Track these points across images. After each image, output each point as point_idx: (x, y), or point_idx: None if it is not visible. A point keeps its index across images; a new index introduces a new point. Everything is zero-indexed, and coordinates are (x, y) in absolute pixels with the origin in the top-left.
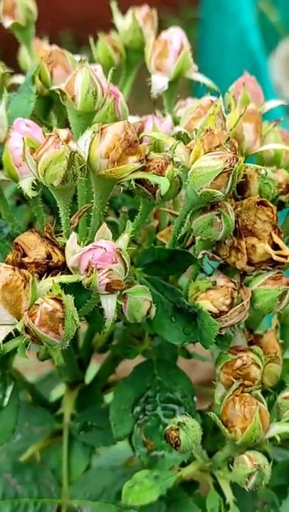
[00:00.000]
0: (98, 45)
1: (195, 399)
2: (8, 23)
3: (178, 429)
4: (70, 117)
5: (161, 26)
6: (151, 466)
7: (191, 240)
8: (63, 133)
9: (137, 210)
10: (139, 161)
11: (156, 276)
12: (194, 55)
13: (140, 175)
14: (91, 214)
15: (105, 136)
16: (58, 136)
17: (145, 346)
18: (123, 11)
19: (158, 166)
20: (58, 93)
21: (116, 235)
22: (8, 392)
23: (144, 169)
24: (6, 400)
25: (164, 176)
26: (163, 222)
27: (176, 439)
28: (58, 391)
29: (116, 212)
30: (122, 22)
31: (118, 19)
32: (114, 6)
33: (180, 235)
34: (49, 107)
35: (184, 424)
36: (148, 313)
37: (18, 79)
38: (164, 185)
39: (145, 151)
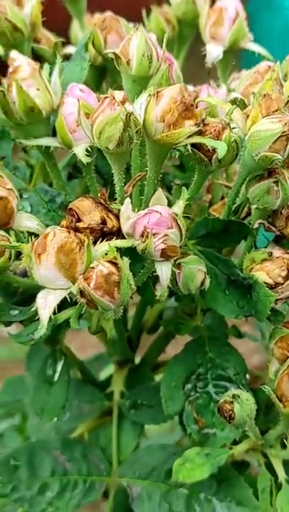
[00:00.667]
0: (151, 18)
1: (247, 376)
2: None
3: (232, 402)
4: (124, 82)
5: None
6: (202, 444)
7: (246, 212)
8: (119, 94)
9: (188, 185)
10: (196, 124)
11: (210, 248)
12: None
13: (197, 139)
14: (144, 184)
15: (161, 99)
16: (114, 98)
17: (197, 322)
18: None
19: (215, 130)
20: (113, 57)
21: None
22: (59, 368)
23: (200, 133)
24: (57, 375)
25: (221, 140)
26: (216, 196)
27: (231, 412)
28: (106, 373)
29: (168, 189)
30: None
31: None
32: None
33: (235, 205)
34: (102, 77)
35: (239, 396)
36: (202, 284)
37: (70, 49)
38: (221, 149)
39: (202, 115)
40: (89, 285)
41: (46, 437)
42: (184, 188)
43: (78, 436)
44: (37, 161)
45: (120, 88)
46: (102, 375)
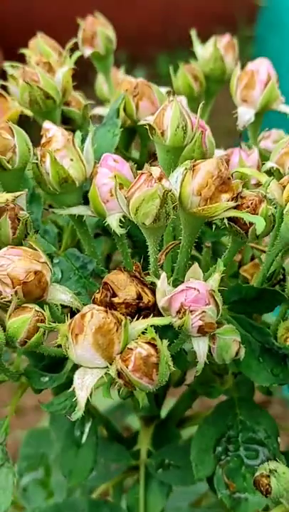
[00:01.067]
0: (178, 74)
1: (279, 440)
2: (87, 52)
3: (269, 476)
4: (158, 152)
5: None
6: (234, 509)
7: (279, 278)
8: (156, 171)
9: (218, 243)
10: (232, 198)
11: (243, 314)
12: None
13: (234, 213)
14: (176, 250)
15: (198, 173)
16: (151, 174)
17: (228, 385)
18: (178, 29)
19: (252, 203)
20: (147, 128)
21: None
22: (87, 429)
23: (237, 207)
24: (84, 436)
25: (257, 214)
26: (246, 257)
27: (267, 486)
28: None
29: (196, 246)
30: (202, 50)
31: (198, 47)
32: (193, 34)
33: (269, 272)
34: (131, 140)
35: (276, 471)
36: (237, 353)
37: (99, 110)
38: (259, 224)
39: (238, 188)
40: (127, 367)
41: (71, 495)
42: (219, 260)
43: (103, 492)
44: (66, 223)
45: (149, 152)
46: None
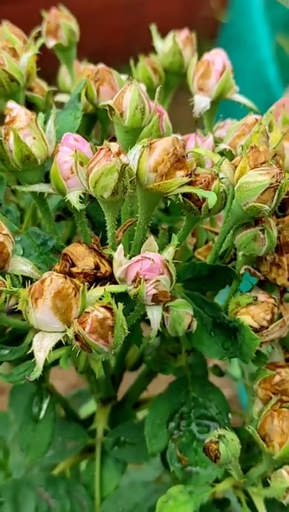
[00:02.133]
0: (138, 67)
1: (230, 415)
2: (51, 43)
3: (218, 442)
4: (117, 133)
5: None
6: (185, 482)
7: (231, 256)
8: (114, 146)
9: (173, 228)
10: (187, 175)
11: (196, 291)
12: None
13: (188, 189)
14: (133, 229)
15: (154, 151)
16: (110, 149)
17: (181, 362)
18: (142, 43)
19: (205, 180)
20: (107, 109)
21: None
22: (45, 406)
23: (191, 183)
24: (42, 413)
25: (210, 190)
26: (200, 240)
27: (216, 451)
28: (87, 409)
29: (152, 230)
30: (162, 45)
31: (158, 42)
32: (153, 29)
33: (221, 250)
34: (92, 124)
35: (224, 436)
36: (189, 326)
37: (62, 97)
38: (211, 199)
39: (192, 166)
40: (84, 329)
41: (29, 473)
42: (174, 235)
43: (60, 472)
44: (28, 204)
45: (109, 137)
46: (82, 412)
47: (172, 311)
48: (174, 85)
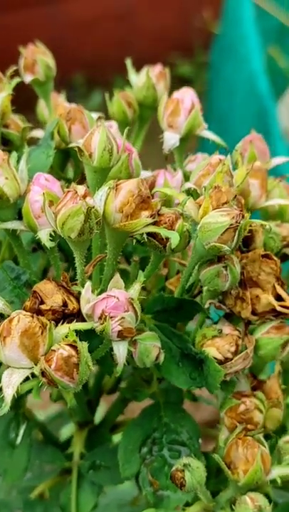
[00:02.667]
0: (113, 101)
1: (200, 441)
2: (28, 78)
3: (183, 470)
4: (86, 172)
5: (174, 70)
6: (156, 505)
7: (199, 289)
8: (81, 189)
9: (147, 258)
10: (151, 215)
11: (165, 323)
12: (205, 98)
13: (152, 229)
14: (104, 263)
15: (120, 192)
16: (76, 192)
17: (153, 389)
18: (135, 54)
19: (169, 220)
20: (76, 150)
21: (127, 282)
22: (21, 431)
23: (155, 223)
24: (19, 438)
25: (174, 229)
26: (172, 270)
27: (182, 479)
28: (67, 430)
29: (127, 260)
30: (136, 79)
31: (132, 76)
32: (129, 63)
33: (188, 284)
34: (66, 160)
35: (190, 465)
36: (157, 358)
37: (38, 133)
38: (174, 239)
39: (157, 206)
40: (50, 366)
41: (7, 496)
42: (140, 272)
43: (38, 494)
44: (3, 238)
45: (82, 173)
46: (64, 433)
47: (140, 344)
48: (148, 119)
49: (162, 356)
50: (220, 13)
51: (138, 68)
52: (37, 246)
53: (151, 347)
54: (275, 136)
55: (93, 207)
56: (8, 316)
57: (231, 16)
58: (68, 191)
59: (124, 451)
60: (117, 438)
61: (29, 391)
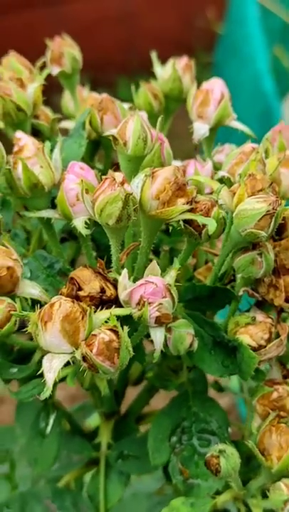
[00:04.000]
0: (139, 92)
1: (229, 429)
2: (55, 71)
3: (218, 456)
4: (120, 161)
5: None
6: (187, 494)
7: (230, 278)
8: (119, 176)
9: (174, 249)
10: (187, 202)
11: (197, 311)
12: None
13: (189, 216)
14: (137, 251)
15: (156, 180)
16: (114, 179)
17: (183, 379)
18: (138, 55)
19: (205, 207)
20: (110, 139)
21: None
22: (51, 421)
23: (191, 210)
24: (49, 428)
25: (210, 216)
26: (200, 260)
27: (217, 465)
28: (92, 421)
29: (154, 252)
30: (162, 71)
31: (158, 68)
32: (154, 56)
33: (221, 272)
34: (95, 151)
35: (224, 451)
36: (191, 345)
37: (65, 124)
38: (211, 225)
39: (193, 193)
40: (91, 351)
41: (34, 486)
42: (175, 258)
43: (65, 484)
44: (34, 227)
45: (112, 163)
46: (86, 425)
47: (174, 331)
48: (174, 110)
49: (196, 343)
50: (223, 14)
51: (140, 69)
52: (67, 236)
53: (185, 334)
54: None
55: (131, 193)
56: (46, 303)
57: (236, 16)
58: (106, 178)
59: (154, 440)
60: (143, 429)
61: (60, 381)
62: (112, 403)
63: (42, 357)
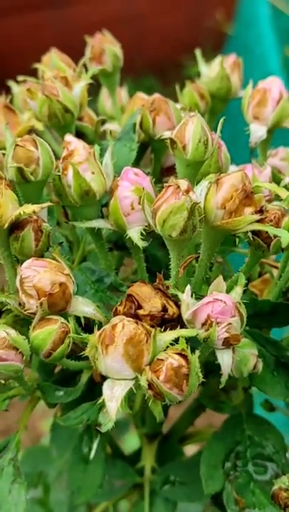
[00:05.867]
0: (184, 92)
1: (288, 455)
2: (95, 69)
3: (288, 489)
4: (178, 166)
5: (185, 71)
6: None
7: None
8: (183, 183)
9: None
10: (256, 212)
11: (257, 328)
12: None
13: (258, 226)
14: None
15: (222, 187)
16: (178, 187)
17: (238, 400)
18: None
19: (275, 217)
20: (165, 141)
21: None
22: (95, 445)
23: (260, 220)
24: (93, 453)
25: (280, 227)
26: (254, 272)
27: (287, 500)
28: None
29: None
30: (208, 70)
31: (203, 67)
32: (198, 53)
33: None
34: (142, 155)
35: None
36: (254, 367)
37: (109, 126)
38: (284, 237)
39: (261, 201)
40: (158, 378)
41: None
42: (240, 273)
43: (103, 510)
44: (80, 238)
45: (162, 167)
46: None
47: (238, 352)
48: (219, 111)
49: (260, 365)
50: (232, 14)
51: (146, 71)
52: (113, 246)
53: (249, 355)
54: None
55: (198, 203)
56: (99, 322)
57: (246, 16)
58: (169, 186)
59: (207, 466)
60: (187, 450)
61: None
62: (155, 424)
63: (89, 379)
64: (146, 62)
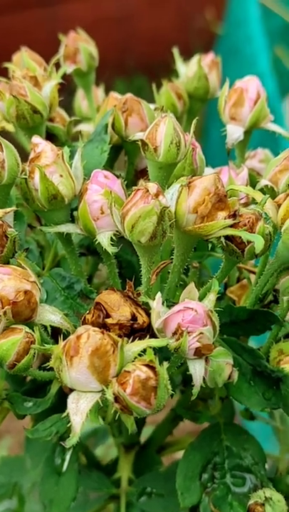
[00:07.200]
0: (161, 92)
1: (266, 466)
2: (69, 69)
3: (263, 504)
4: (150, 169)
5: (173, 73)
6: None
7: (269, 300)
8: (153, 187)
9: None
10: (229, 216)
11: (233, 336)
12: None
13: (231, 231)
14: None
15: (194, 190)
16: (148, 190)
17: (216, 410)
18: (135, 56)
19: (249, 221)
20: (137, 143)
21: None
22: (68, 456)
23: (233, 225)
24: (65, 464)
25: (254, 232)
26: (232, 278)
27: None
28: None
29: None
30: (186, 69)
31: (180, 66)
32: (176, 51)
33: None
34: (116, 156)
35: (271, 498)
36: (230, 377)
37: (82, 127)
38: (258, 242)
39: (235, 205)
40: (125, 390)
41: None
42: (214, 280)
43: None
44: (50, 242)
45: (136, 171)
46: (98, 452)
47: (212, 362)
48: (198, 112)
49: (236, 375)
50: (222, 15)
51: (137, 70)
52: (86, 251)
53: (223, 364)
54: (281, 137)
55: (168, 207)
56: (67, 331)
57: (236, 16)
58: (138, 189)
59: (184, 478)
60: (164, 460)
61: None
62: (133, 434)
63: (59, 390)
64: (137, 62)
